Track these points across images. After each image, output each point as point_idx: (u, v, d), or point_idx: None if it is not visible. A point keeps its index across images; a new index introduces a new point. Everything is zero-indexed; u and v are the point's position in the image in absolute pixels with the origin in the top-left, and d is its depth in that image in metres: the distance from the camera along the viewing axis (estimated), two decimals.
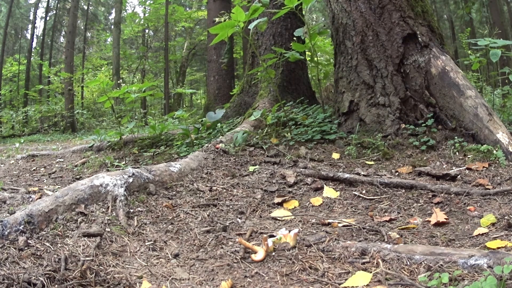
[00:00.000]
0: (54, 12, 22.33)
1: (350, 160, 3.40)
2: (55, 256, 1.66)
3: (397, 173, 3.02)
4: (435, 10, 16.87)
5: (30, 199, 2.66)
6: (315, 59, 4.64)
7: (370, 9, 3.86)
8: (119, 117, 7.32)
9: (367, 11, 3.86)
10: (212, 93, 9.96)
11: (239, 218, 2.35)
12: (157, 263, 1.81)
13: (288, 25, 5.82)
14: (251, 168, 3.19)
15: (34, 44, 23.35)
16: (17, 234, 1.78)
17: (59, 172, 4.51)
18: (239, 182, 2.93)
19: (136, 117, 10.60)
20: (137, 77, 23.37)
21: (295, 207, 2.55)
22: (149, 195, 2.55)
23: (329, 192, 2.72)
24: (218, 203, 2.56)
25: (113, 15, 22.40)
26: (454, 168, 2.98)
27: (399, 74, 3.73)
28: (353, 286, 1.46)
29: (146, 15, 21.24)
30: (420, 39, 3.71)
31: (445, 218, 2.13)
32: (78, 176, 4.11)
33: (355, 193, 2.69)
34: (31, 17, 23.44)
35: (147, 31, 22.98)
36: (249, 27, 3.70)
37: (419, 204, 2.44)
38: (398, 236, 1.93)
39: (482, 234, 1.91)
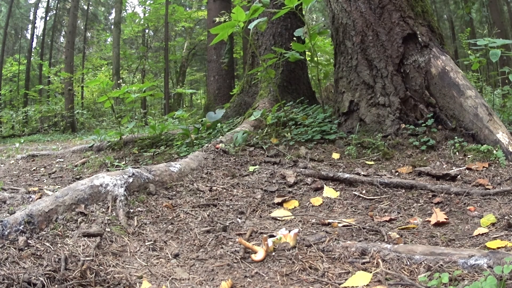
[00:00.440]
0: (54, 12, 22.32)
1: (350, 160, 3.40)
2: (55, 256, 1.66)
3: (397, 173, 3.02)
4: (435, 10, 16.87)
5: (30, 199, 2.66)
6: (315, 59, 4.64)
7: (370, 9, 3.86)
8: (119, 117, 7.32)
9: (367, 11, 3.86)
10: (212, 93, 9.96)
11: (239, 218, 2.35)
12: (157, 263, 1.81)
13: (288, 25, 5.82)
14: (251, 168, 3.19)
15: (34, 44, 23.35)
16: (17, 234, 1.78)
17: (59, 172, 4.51)
18: (239, 182, 2.93)
19: (136, 117, 10.58)
20: (137, 77, 23.36)
21: (295, 207, 2.55)
22: (149, 195, 2.55)
23: (329, 192, 2.72)
24: (218, 203, 2.56)
25: (113, 15, 22.39)
26: (454, 168, 2.98)
27: (399, 74, 3.73)
28: (353, 286, 1.46)
29: (146, 15, 21.24)
30: (420, 39, 3.71)
31: (445, 218, 2.13)
32: (78, 176, 4.11)
33: (355, 193, 2.69)
34: (31, 17, 23.44)
35: (147, 31, 22.98)
36: (249, 27, 3.70)
37: (419, 204, 2.44)
38: (398, 236, 1.93)
39: (482, 234, 1.91)
